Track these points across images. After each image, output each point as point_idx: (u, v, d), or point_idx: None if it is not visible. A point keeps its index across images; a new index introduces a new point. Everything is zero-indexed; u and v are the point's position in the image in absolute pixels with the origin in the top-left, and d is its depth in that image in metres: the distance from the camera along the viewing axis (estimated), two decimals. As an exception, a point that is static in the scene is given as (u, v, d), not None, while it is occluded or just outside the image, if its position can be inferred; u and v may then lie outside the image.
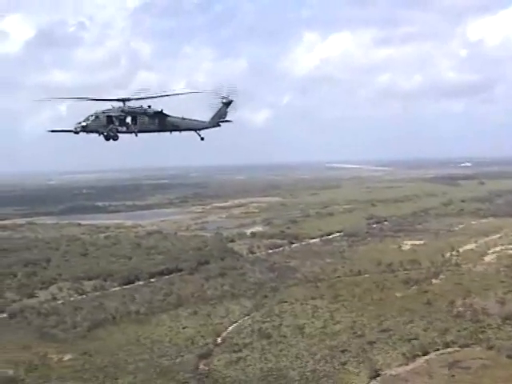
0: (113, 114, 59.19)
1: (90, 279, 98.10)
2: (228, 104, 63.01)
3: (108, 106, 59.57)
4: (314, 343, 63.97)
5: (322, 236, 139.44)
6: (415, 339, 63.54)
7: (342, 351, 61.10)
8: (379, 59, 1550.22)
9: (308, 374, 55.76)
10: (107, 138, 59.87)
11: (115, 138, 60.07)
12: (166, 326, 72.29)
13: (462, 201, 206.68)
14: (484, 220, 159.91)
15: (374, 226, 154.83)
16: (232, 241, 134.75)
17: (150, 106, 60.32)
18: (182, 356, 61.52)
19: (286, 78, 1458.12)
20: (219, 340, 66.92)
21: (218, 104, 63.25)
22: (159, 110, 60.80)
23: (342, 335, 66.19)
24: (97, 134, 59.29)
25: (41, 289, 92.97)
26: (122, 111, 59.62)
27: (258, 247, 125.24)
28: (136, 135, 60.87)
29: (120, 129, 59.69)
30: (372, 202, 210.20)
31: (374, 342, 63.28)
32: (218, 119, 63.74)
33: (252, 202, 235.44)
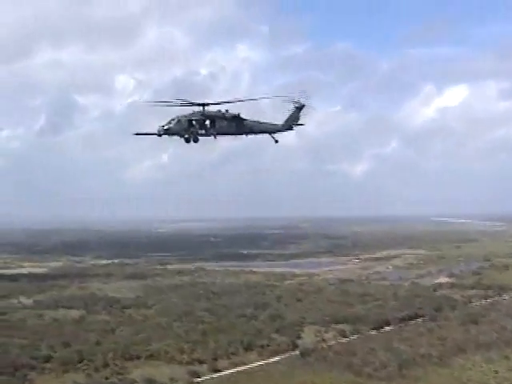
0: (193, 118, 63.68)
1: (336, 323, 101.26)
2: (300, 108, 67.01)
3: (189, 110, 64.16)
4: None
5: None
6: None
7: None
8: (499, 112, 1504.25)
9: None
10: (187, 141, 64.36)
11: (196, 141, 64.31)
12: (475, 370, 74.20)
13: None
14: None
15: None
16: (434, 290, 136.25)
17: (227, 111, 64.86)
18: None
19: (397, 129, 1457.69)
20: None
21: (291, 108, 67.87)
22: (236, 114, 65.32)
23: None
24: (178, 137, 64.09)
25: (297, 331, 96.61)
26: (202, 115, 64.08)
27: (470, 296, 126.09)
28: (215, 137, 65.24)
29: (200, 132, 64.06)
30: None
31: None
32: (291, 123, 67.89)
33: (403, 254, 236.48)
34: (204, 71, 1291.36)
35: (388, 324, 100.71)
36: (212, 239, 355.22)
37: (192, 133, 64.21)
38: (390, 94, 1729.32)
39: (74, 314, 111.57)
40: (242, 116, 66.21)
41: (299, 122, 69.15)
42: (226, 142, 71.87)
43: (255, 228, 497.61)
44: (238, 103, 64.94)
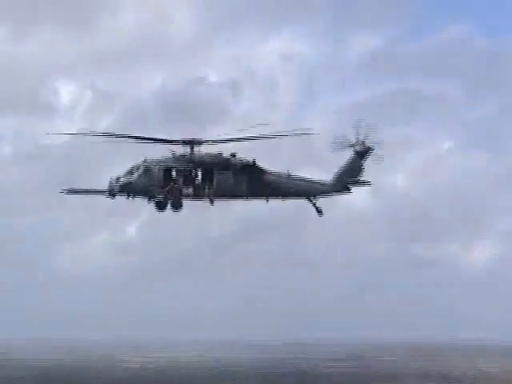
0: (173, 166, 56.24)
1: None
2: (364, 154, 59.32)
3: (165, 152, 57.39)
4: None
5: None
6: None
7: None
8: None
9: None
10: (161, 206, 55.90)
11: (177, 206, 56.03)
12: None
13: None
14: None
15: None
16: None
17: (234, 155, 57.69)
18: None
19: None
20: None
21: (346, 154, 60.84)
22: (250, 160, 58.10)
23: None
24: (145, 199, 55.90)
25: None
26: (190, 161, 56.14)
27: None
28: (211, 202, 57.53)
29: (185, 191, 56.48)
30: None
31: None
32: (348, 178, 60.04)
33: None
34: (214, 77, 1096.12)
35: None
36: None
37: (171, 192, 55.65)
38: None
39: None
40: (261, 165, 58.82)
41: (361, 179, 60.78)
42: (235, 209, 64.36)
43: (297, 359, 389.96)
44: (257, 142, 57.57)
